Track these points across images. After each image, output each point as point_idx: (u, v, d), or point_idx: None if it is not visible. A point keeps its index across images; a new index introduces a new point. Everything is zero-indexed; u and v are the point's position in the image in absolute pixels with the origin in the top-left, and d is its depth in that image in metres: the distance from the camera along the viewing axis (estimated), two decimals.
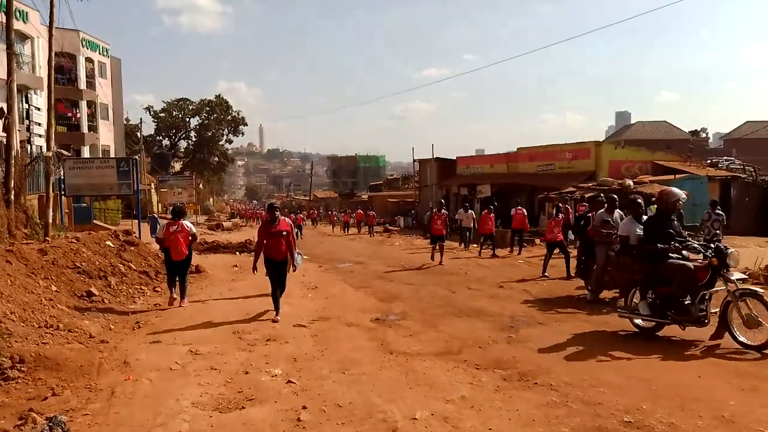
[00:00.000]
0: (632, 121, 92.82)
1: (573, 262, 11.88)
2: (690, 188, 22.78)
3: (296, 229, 18.11)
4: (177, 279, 10.09)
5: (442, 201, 18.79)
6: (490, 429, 4.31)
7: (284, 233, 8.84)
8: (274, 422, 4.60)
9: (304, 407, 4.89)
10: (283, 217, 9.18)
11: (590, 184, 25.47)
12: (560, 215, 14.14)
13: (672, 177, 24.36)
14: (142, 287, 12.00)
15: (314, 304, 10.26)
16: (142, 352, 6.77)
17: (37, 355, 5.80)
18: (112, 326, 8.37)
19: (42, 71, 30.12)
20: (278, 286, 8.92)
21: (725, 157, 34.43)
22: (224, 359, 6.52)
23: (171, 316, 9.16)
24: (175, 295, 10.01)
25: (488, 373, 5.84)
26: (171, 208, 39.47)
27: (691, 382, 5.29)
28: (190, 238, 10.11)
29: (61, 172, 18.20)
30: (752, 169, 28.74)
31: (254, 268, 9.34)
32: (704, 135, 66.97)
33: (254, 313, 9.28)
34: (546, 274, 12.95)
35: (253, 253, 22.25)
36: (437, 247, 16.44)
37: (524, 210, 19.59)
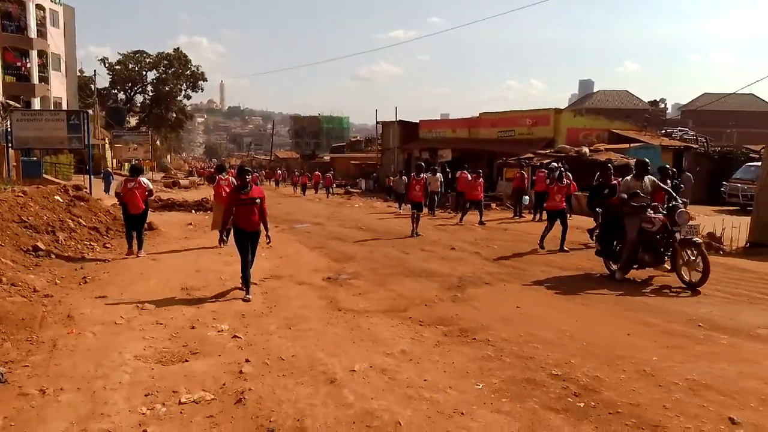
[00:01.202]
0: (595, 90, 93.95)
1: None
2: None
3: None
4: (134, 232, 10.77)
5: (422, 164, 16.71)
6: (425, 380, 4.48)
7: (257, 201, 7.69)
8: (216, 374, 4.68)
9: (247, 360, 4.98)
10: (254, 186, 7.89)
11: (548, 151, 25.90)
12: (564, 180, 12.62)
13: (627, 146, 24.93)
14: (92, 243, 11.81)
15: (268, 263, 10.27)
16: (87, 306, 6.72)
17: None
18: (58, 281, 8.26)
19: None
20: (249, 259, 7.69)
21: (679, 128, 35.30)
22: (171, 314, 6.53)
23: (119, 272, 9.08)
24: (133, 248, 10.70)
25: (431, 329, 6.03)
26: (128, 165, 38.77)
27: (620, 339, 5.57)
28: (146, 193, 10.87)
29: (8, 124, 17.50)
30: (704, 140, 29.61)
31: (222, 240, 8.46)
32: (663, 105, 68.29)
33: (204, 269, 9.27)
34: (543, 246, 11.67)
35: (209, 212, 22.01)
36: (415, 215, 14.48)
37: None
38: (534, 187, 18.97)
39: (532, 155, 25.16)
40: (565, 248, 11.44)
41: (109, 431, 3.70)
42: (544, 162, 21.29)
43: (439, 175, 21.00)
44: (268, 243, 7.84)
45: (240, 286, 7.83)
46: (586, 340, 5.52)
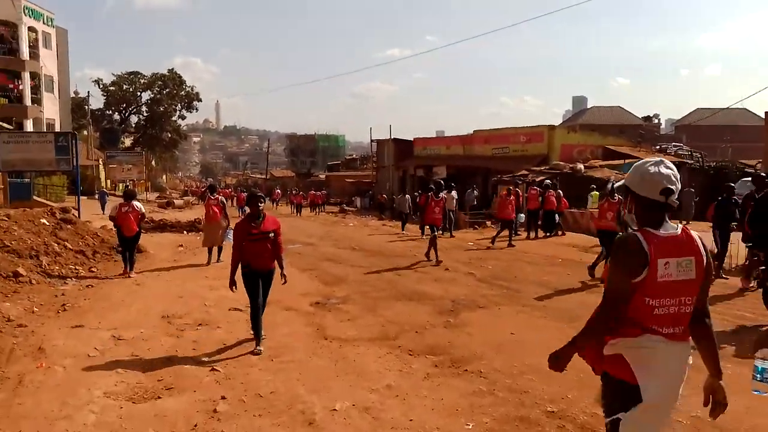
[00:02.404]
0: (588, 106, 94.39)
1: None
2: None
3: (242, 210, 17.18)
4: (128, 253, 11.16)
5: (441, 181, 14.09)
6: (411, 420, 4.18)
7: (271, 234, 6.24)
8: (188, 413, 4.38)
9: (223, 397, 4.68)
10: (267, 215, 6.43)
11: (542, 168, 25.76)
12: (616, 196, 9.85)
13: (621, 162, 24.81)
14: (77, 267, 11.51)
15: None
16: (61, 337, 6.41)
17: None
18: (36, 309, 7.95)
19: None
20: (260, 304, 6.32)
21: (673, 143, 35.29)
22: (148, 345, 6.22)
23: (100, 298, 8.77)
24: (127, 268, 11.05)
25: (420, 359, 5.73)
26: (122, 186, 38.34)
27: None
28: (140, 216, 11.37)
29: None
30: (699, 155, 29.52)
31: (232, 284, 6.35)
32: (656, 121, 68.48)
33: (188, 294, 8.97)
34: (593, 274, 10.22)
35: (201, 233, 21.75)
36: (433, 240, 12.56)
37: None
38: (527, 205, 18.76)
39: (526, 172, 25.00)
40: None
41: None
42: (536, 180, 21.06)
43: (454, 193, 19.61)
44: (283, 283, 6.45)
45: (249, 335, 6.45)
46: (583, 371, 5.19)
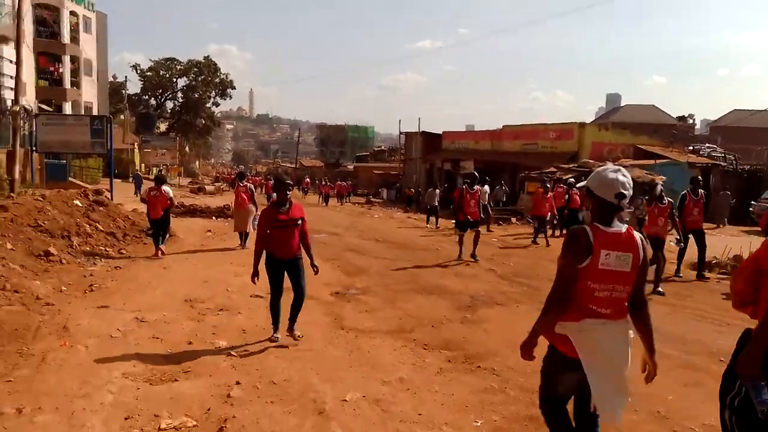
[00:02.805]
0: (622, 104, 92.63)
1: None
2: (670, 174, 22.78)
3: (270, 198, 17.33)
4: (161, 233, 11.69)
5: (475, 173, 13.74)
6: (420, 414, 4.21)
7: (299, 222, 6.03)
8: (203, 397, 4.47)
9: (238, 383, 4.77)
10: (294, 202, 6.15)
11: (571, 165, 25.42)
12: (665, 200, 9.25)
13: (653, 162, 24.33)
14: (107, 248, 11.79)
15: None
16: (86, 317, 6.58)
17: None
18: (64, 288, 8.17)
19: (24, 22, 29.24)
20: (281, 293, 6.11)
21: (707, 144, 34.44)
22: (169, 328, 6.36)
23: (127, 280, 8.97)
24: (161, 247, 11.55)
25: (434, 354, 5.75)
26: (156, 170, 39.38)
27: (634, 374, 5.20)
28: (168, 201, 11.74)
29: (32, 128, 17.71)
30: (733, 158, 28.78)
31: (254, 275, 6.08)
32: (691, 121, 66.80)
33: (213, 279, 9.12)
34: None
35: (230, 219, 22.02)
36: (466, 234, 12.16)
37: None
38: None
39: (555, 169, 24.70)
40: (659, 290, 8.79)
41: None
42: (563, 178, 20.72)
43: (486, 187, 18.58)
44: (315, 273, 6.18)
45: (269, 322, 6.25)
46: None
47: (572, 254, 2.79)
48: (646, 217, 9.63)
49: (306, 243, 6.16)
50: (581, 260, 2.76)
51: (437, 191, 22.01)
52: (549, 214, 15.65)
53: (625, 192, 2.79)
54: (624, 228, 2.83)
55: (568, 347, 2.82)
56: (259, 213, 14.33)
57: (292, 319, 6.18)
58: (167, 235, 12.25)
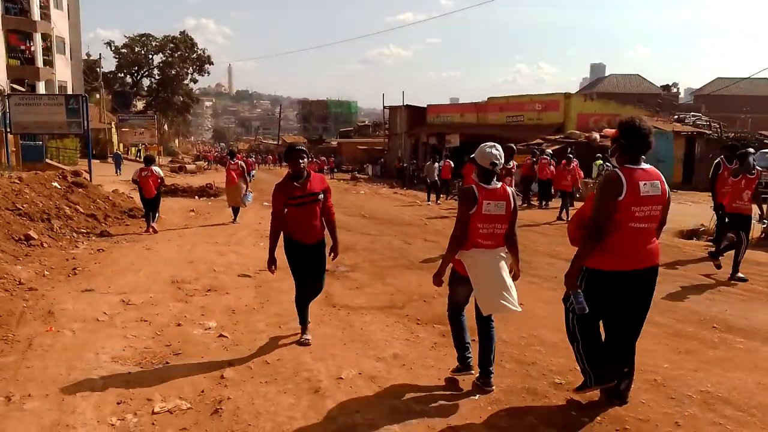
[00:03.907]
0: (606, 74, 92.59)
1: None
2: (656, 143, 22.83)
3: (249, 176, 17.23)
4: (150, 212, 12.15)
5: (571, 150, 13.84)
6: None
7: (320, 196, 5.10)
8: (196, 379, 4.39)
9: (230, 363, 4.69)
10: (314, 173, 5.24)
11: (558, 137, 25.41)
12: (755, 169, 8.11)
13: None
14: (88, 231, 11.58)
15: (265, 253, 9.93)
16: (71, 301, 6.44)
17: None
18: (47, 272, 8.00)
19: None
20: (307, 284, 5.30)
21: (692, 113, 34.58)
22: (157, 310, 6.25)
23: (110, 262, 8.81)
24: (153, 225, 12.06)
25: (427, 328, 5.72)
26: (134, 149, 39.26)
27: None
28: (159, 180, 12.30)
29: (5, 109, 17.23)
30: (717, 126, 28.95)
31: (271, 263, 5.34)
32: (675, 90, 67.06)
33: (197, 260, 8.99)
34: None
35: (213, 198, 21.83)
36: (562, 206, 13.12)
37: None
38: (538, 174, 18.33)
39: (541, 141, 24.68)
40: (740, 275, 7.90)
41: None
42: (546, 150, 20.60)
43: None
44: (332, 258, 5.38)
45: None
46: None
47: (466, 205, 3.99)
48: (729, 190, 8.18)
49: (330, 222, 5.26)
50: (471, 209, 3.96)
51: (437, 165, 20.40)
52: (573, 187, 15.25)
53: (497, 161, 3.97)
54: (499, 185, 4.05)
55: (461, 268, 4.08)
56: (248, 189, 14.47)
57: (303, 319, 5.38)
58: (158, 214, 12.64)
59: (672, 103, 52.71)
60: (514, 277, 4.27)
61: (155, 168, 12.49)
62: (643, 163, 3.61)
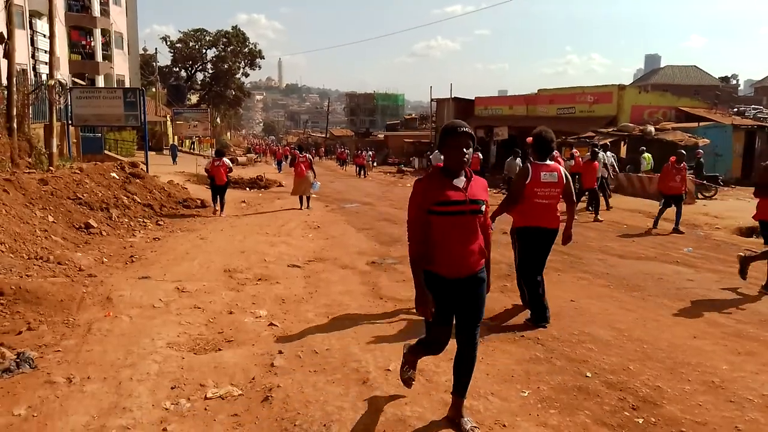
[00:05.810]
0: (662, 65, 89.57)
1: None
2: (714, 137, 22.00)
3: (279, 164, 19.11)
4: (219, 197, 14.12)
5: (683, 151, 12.40)
6: None
7: (482, 208, 3.39)
8: (247, 366, 4.48)
9: (280, 352, 4.76)
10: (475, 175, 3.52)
11: (610, 129, 24.74)
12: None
13: (696, 124, 23.50)
14: (145, 220, 11.96)
15: (313, 244, 10.09)
16: (128, 287, 6.66)
17: (17, 288, 5.70)
18: (105, 259, 8.31)
19: None
20: (445, 341, 3.58)
21: (753, 106, 33.10)
22: (210, 298, 6.40)
23: (166, 251, 9.07)
24: (216, 208, 14.14)
25: None
26: (189, 141, 40.38)
27: (684, 342, 5.05)
28: (228, 170, 14.29)
29: (67, 102, 17.93)
30: None
31: (424, 303, 3.30)
32: (735, 82, 64.49)
33: (249, 250, 9.16)
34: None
35: (263, 190, 22.40)
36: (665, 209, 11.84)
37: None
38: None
39: (593, 134, 24.07)
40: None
41: (128, 428, 3.53)
42: (589, 142, 20.01)
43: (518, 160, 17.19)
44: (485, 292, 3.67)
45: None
46: (645, 342, 5.03)
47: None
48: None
49: (488, 245, 3.60)
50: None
51: (518, 160, 17.19)
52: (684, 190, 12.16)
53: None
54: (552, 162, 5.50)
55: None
56: (315, 178, 15.80)
57: (460, 386, 3.59)
58: (224, 200, 14.31)
59: (731, 95, 50.61)
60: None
61: (225, 159, 14.57)
62: (548, 161, 5.45)
